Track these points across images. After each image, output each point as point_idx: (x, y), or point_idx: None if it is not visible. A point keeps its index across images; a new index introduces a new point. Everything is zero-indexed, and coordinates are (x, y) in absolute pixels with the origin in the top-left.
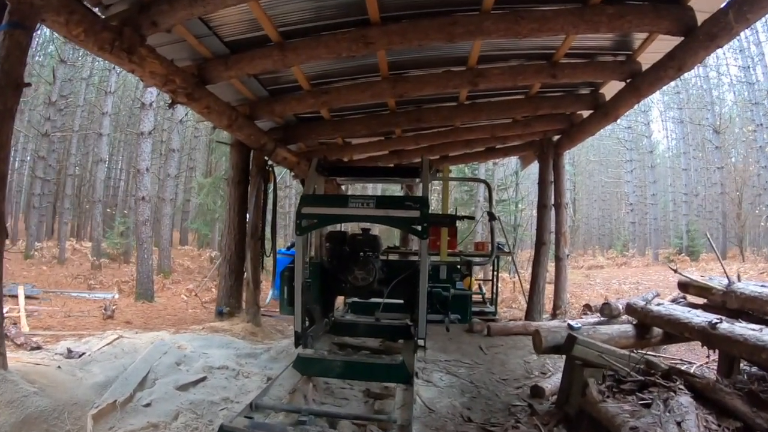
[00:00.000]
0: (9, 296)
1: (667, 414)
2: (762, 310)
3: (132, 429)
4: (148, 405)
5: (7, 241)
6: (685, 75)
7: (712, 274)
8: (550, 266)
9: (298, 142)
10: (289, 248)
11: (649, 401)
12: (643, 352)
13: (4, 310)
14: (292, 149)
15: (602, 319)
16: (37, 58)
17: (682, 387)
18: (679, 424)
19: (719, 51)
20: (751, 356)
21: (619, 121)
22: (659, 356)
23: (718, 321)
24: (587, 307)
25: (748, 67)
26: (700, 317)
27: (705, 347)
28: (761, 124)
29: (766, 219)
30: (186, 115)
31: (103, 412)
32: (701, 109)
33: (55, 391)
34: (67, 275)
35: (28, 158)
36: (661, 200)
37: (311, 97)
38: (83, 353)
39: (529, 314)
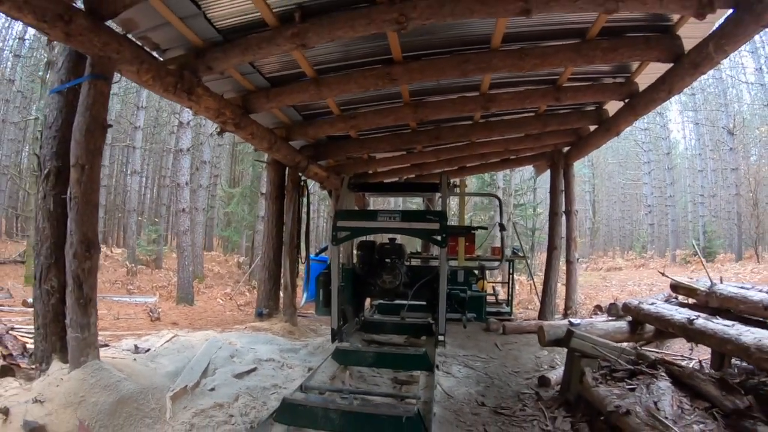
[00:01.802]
0: None
1: (648, 395)
2: (737, 308)
3: (202, 408)
4: (212, 389)
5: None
6: (701, 77)
7: (727, 274)
8: (564, 269)
9: (328, 158)
10: (317, 254)
11: (635, 386)
12: (649, 348)
13: None
14: (321, 165)
15: (610, 318)
16: None
17: (663, 374)
18: (656, 403)
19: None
20: (720, 347)
21: (636, 123)
22: (662, 352)
23: (695, 317)
24: (598, 308)
25: (761, 68)
26: (681, 314)
27: (687, 341)
28: None
29: None
30: (215, 128)
31: (178, 395)
32: (716, 111)
33: (138, 378)
34: (105, 281)
35: None
36: (680, 201)
37: (341, 121)
38: (148, 349)
39: (542, 314)
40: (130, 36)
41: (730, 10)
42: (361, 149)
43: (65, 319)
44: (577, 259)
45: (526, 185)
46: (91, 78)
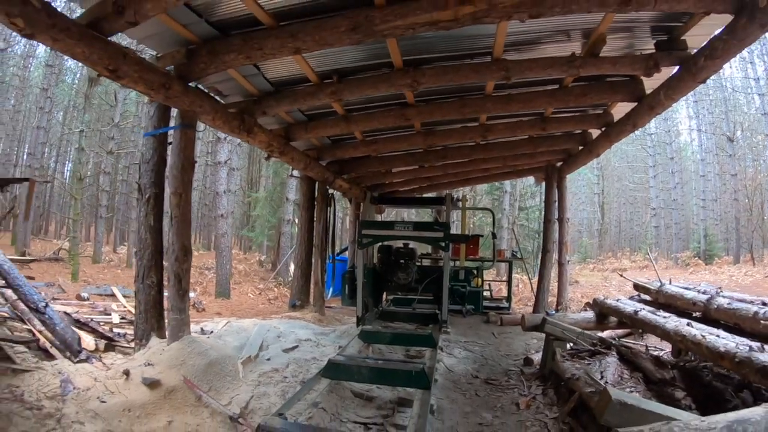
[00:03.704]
0: (105, 295)
1: (598, 368)
2: (675, 304)
3: (264, 371)
4: (268, 359)
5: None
6: (704, 85)
7: (722, 277)
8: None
9: (351, 173)
10: (338, 254)
11: (591, 362)
12: (627, 340)
13: (113, 306)
14: (345, 178)
15: (587, 311)
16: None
17: (613, 354)
18: (602, 372)
19: (732, 62)
20: (654, 332)
21: (643, 128)
22: (638, 343)
23: (640, 310)
24: (588, 305)
25: (758, 78)
26: (631, 307)
27: (633, 327)
28: None
29: None
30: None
31: (245, 362)
32: (718, 119)
33: (216, 350)
34: None
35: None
36: (687, 205)
37: (363, 145)
38: (211, 331)
39: (536, 309)
40: (201, 86)
41: (677, 67)
42: (380, 166)
43: (162, 306)
44: (568, 261)
45: (531, 190)
46: (181, 127)
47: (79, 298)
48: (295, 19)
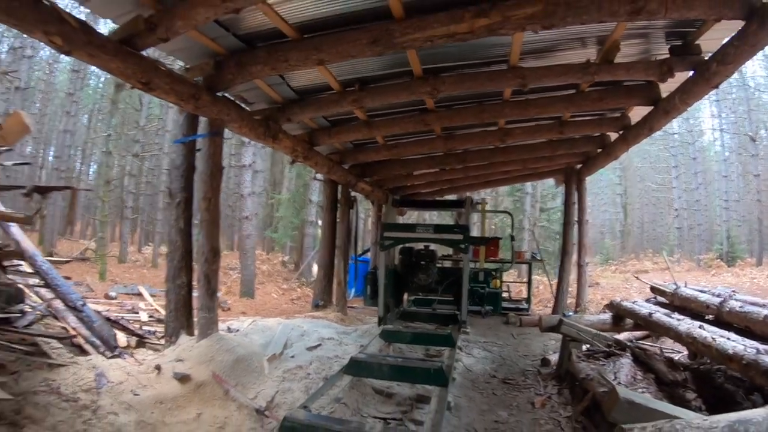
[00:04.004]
0: (132, 294)
1: (612, 368)
2: (689, 306)
3: (288, 368)
4: (292, 357)
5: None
6: (726, 83)
7: (743, 279)
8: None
9: (372, 176)
10: (361, 255)
11: (605, 363)
12: (644, 342)
13: (141, 305)
14: (367, 181)
15: (604, 313)
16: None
17: (628, 355)
18: (615, 373)
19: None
20: (666, 334)
21: (665, 128)
22: (654, 345)
23: (654, 312)
24: (607, 307)
25: None
26: (645, 309)
27: (648, 330)
28: None
29: None
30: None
31: (271, 359)
32: (741, 117)
33: (243, 347)
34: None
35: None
36: (710, 206)
37: (385, 149)
38: (237, 329)
39: (555, 311)
40: (227, 95)
41: (692, 72)
42: (401, 168)
43: (191, 305)
44: (587, 263)
45: (552, 191)
46: (209, 135)
47: (107, 297)
48: (318, 32)
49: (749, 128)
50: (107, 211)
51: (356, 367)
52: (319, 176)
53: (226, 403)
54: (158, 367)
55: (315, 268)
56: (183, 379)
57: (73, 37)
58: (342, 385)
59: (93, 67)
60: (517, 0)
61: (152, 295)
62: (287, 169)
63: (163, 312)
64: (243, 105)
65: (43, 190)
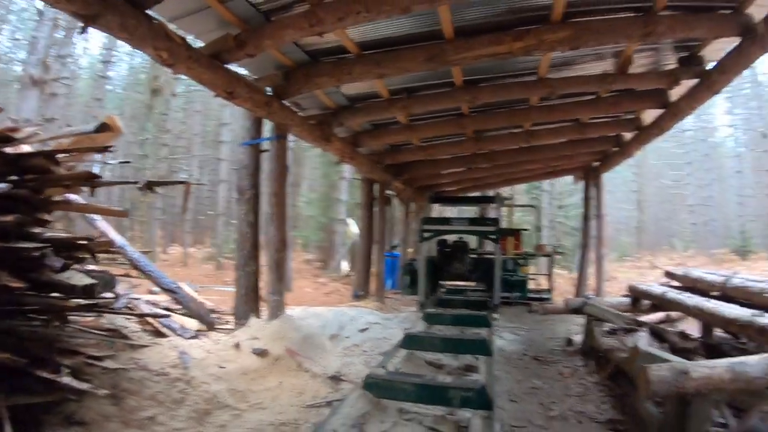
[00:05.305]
0: (169, 290)
1: (631, 340)
2: (698, 287)
3: (346, 346)
4: (347, 337)
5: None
6: (738, 79)
7: (754, 272)
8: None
9: (405, 175)
10: (389, 250)
11: (625, 338)
12: (664, 326)
13: None
14: (400, 179)
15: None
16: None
17: (645, 330)
18: (635, 343)
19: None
20: (678, 308)
21: (678, 125)
22: (674, 328)
23: (667, 291)
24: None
25: None
26: (659, 290)
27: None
28: None
29: None
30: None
31: (332, 337)
32: (754, 113)
33: (306, 327)
34: (199, 274)
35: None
36: (723, 201)
37: (420, 150)
38: (291, 316)
39: (578, 296)
40: (286, 102)
41: (697, 80)
42: (432, 168)
43: (258, 291)
44: (605, 256)
45: (569, 188)
46: (276, 138)
47: (150, 292)
48: (377, 49)
49: (761, 124)
50: (143, 211)
51: (411, 341)
52: (347, 175)
53: (299, 373)
54: (237, 345)
55: (344, 265)
56: (262, 353)
57: (177, 52)
58: (398, 358)
59: (120, 73)
60: (550, 26)
61: (196, 291)
62: (307, 169)
63: (209, 303)
64: (299, 112)
65: (157, 185)
